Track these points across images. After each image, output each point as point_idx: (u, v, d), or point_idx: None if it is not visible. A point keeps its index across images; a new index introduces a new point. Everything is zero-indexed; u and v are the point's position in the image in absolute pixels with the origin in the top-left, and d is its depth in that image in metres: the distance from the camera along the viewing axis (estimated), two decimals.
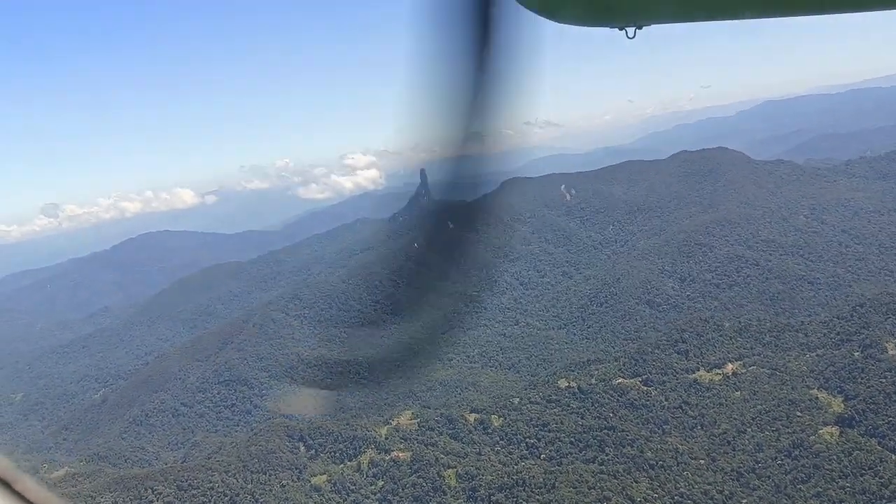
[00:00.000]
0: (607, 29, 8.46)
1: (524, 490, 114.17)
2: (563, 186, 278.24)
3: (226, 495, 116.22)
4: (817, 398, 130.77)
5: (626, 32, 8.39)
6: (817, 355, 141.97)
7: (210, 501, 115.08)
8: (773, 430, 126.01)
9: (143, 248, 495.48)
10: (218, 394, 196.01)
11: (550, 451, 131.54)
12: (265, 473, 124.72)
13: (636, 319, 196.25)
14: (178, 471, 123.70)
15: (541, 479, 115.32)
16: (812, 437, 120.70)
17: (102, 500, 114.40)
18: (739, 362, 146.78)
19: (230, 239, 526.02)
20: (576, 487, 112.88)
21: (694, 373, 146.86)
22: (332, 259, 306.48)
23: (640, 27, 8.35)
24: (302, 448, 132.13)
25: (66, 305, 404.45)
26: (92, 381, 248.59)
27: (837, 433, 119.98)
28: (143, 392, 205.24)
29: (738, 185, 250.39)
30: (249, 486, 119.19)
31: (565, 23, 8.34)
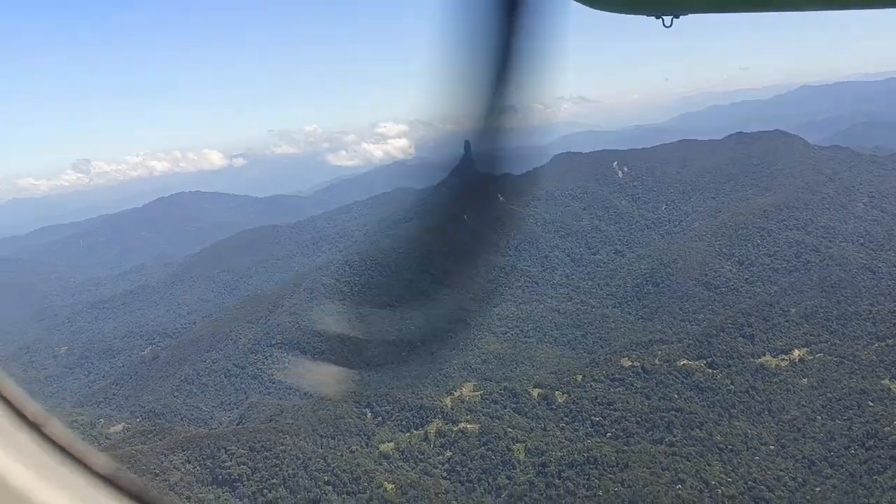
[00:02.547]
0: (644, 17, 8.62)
1: (596, 468, 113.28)
2: (615, 163, 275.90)
3: (298, 458, 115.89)
4: (889, 389, 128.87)
5: (663, 21, 8.42)
6: (887, 345, 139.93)
7: (283, 463, 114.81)
8: (844, 420, 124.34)
9: (175, 207, 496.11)
10: (270, 356, 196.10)
11: (616, 429, 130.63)
12: (334, 438, 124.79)
13: (694, 301, 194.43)
14: (250, 432, 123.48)
15: (612, 458, 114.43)
16: (887, 429, 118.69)
17: (175, 457, 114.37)
18: (806, 349, 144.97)
19: (261, 202, 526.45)
20: (649, 468, 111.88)
21: (760, 357, 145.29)
22: (374, 227, 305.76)
23: (676, 16, 8.34)
24: (369, 415, 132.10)
25: (99, 261, 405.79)
26: (137, 337, 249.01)
27: None
28: (193, 351, 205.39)
29: (794, 169, 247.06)
30: (321, 451, 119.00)
31: (604, 10, 8.59)
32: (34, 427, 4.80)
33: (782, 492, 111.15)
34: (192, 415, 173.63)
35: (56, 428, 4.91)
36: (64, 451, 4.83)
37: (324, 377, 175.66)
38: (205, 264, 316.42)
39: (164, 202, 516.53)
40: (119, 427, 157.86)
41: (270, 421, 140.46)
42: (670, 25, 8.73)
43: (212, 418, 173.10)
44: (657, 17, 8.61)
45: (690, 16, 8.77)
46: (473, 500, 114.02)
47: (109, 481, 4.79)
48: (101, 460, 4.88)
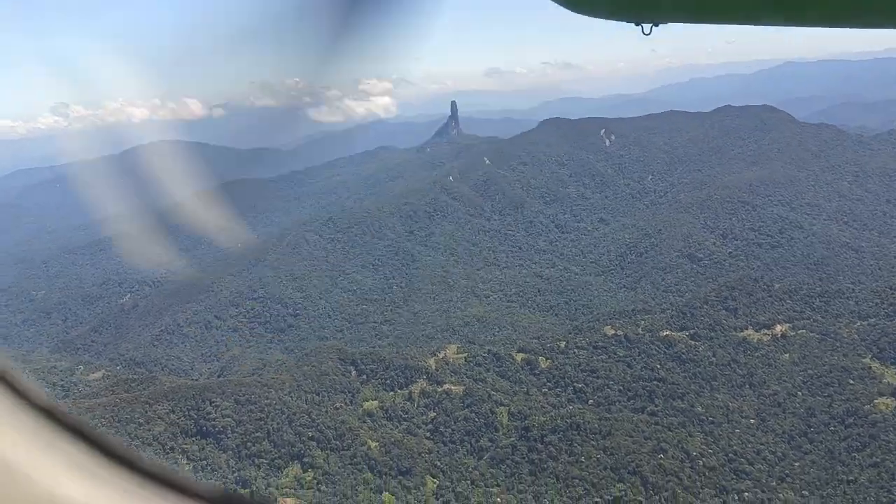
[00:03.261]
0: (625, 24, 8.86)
1: (578, 434, 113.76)
2: (602, 131, 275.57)
3: (283, 413, 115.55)
4: (870, 367, 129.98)
5: (643, 28, 8.52)
6: (869, 324, 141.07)
7: (267, 417, 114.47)
8: (825, 396, 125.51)
9: (154, 155, 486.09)
10: (251, 309, 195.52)
11: (599, 397, 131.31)
12: (318, 394, 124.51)
13: (677, 272, 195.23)
14: (235, 385, 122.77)
15: (595, 425, 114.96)
16: (867, 407, 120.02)
17: (160, 407, 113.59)
18: (788, 324, 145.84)
19: (243, 154, 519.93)
20: (631, 436, 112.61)
21: (742, 331, 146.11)
22: (358, 184, 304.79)
23: (656, 24, 8.63)
24: (353, 372, 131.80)
25: (77, 207, 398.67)
26: (115, 285, 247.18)
27: (894, 405, 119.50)
28: (174, 301, 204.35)
29: (782, 144, 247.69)
30: (305, 406, 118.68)
31: (588, 15, 8.95)
32: (43, 411, 4.49)
33: (762, 465, 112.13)
34: (172, 365, 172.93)
35: (26, 383, 4.58)
36: (76, 432, 4.50)
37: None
38: (186, 215, 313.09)
39: (144, 150, 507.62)
40: (98, 374, 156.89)
41: (253, 374, 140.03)
42: (649, 33, 8.81)
43: (192, 369, 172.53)
44: (636, 25, 8.67)
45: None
46: (456, 461, 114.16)
47: (49, 413, 4.46)
48: (42, 394, 4.54)
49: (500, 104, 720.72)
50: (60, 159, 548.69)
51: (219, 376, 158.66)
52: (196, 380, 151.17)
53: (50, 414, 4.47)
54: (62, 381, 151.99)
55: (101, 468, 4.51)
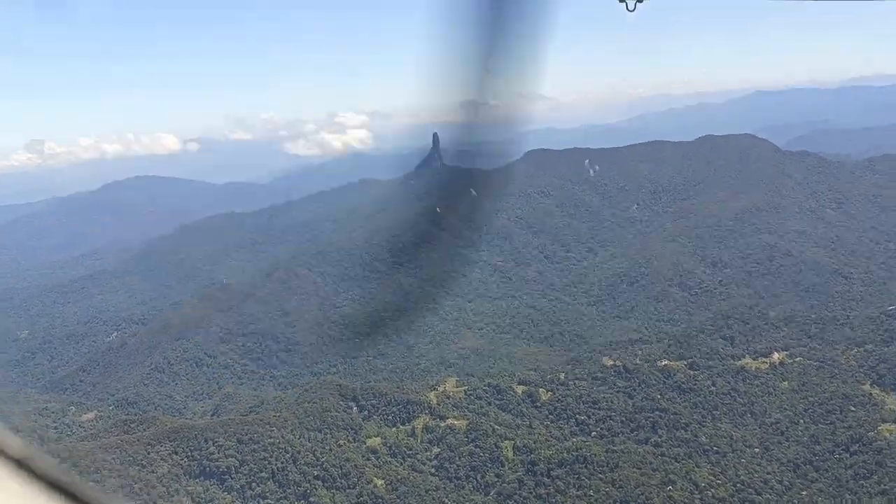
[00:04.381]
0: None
1: (586, 468, 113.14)
2: (586, 161, 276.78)
3: (286, 452, 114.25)
4: (871, 394, 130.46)
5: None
6: (866, 350, 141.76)
7: (271, 457, 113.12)
8: (827, 424, 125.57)
9: (130, 191, 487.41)
10: (243, 346, 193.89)
11: (602, 428, 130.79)
12: (321, 432, 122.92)
13: (669, 301, 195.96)
14: (237, 423, 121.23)
15: (602, 458, 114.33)
16: (871, 434, 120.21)
17: (161, 448, 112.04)
18: (786, 352, 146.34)
19: (218, 189, 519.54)
20: (639, 468, 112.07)
21: (740, 360, 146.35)
22: (343, 217, 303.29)
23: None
24: (355, 409, 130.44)
25: (53, 245, 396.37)
26: (100, 323, 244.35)
27: None
28: (163, 339, 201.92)
29: (765, 172, 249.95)
30: (309, 444, 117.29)
31: None
32: (20, 464, 4.78)
33: (770, 495, 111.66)
34: (165, 404, 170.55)
35: (44, 462, 4.84)
36: None
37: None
38: (164, 251, 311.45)
39: (118, 186, 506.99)
40: (91, 415, 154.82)
41: (251, 412, 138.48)
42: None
43: (185, 408, 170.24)
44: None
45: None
46: (463, 497, 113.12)
47: (22, 465, 4.72)
48: (14, 443, 4.83)
49: (474, 135, 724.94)
50: (36, 196, 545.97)
51: (213, 415, 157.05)
52: (191, 419, 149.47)
53: (24, 465, 4.71)
54: (55, 422, 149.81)
55: (24, 482, 4.62)
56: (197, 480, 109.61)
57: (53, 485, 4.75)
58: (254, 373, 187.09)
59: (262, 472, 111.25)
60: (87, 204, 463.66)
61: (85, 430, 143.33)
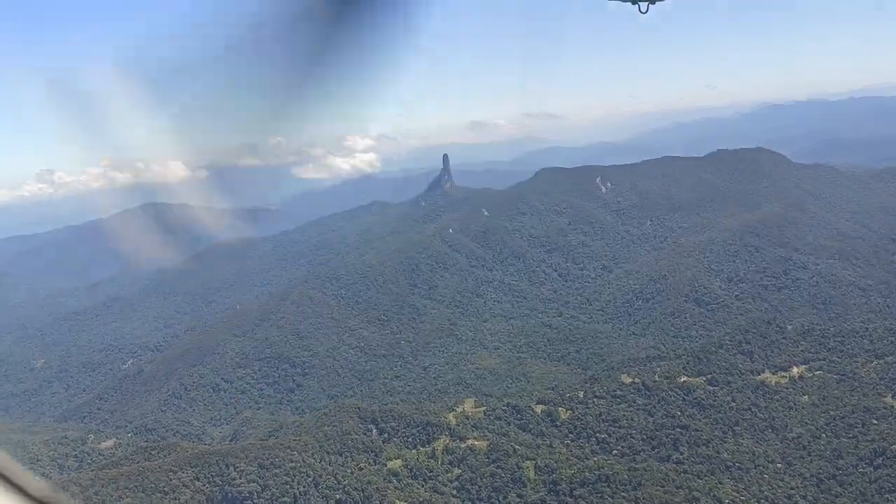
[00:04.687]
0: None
1: (608, 486, 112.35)
2: (598, 179, 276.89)
3: (308, 476, 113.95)
4: (893, 406, 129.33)
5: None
6: (886, 363, 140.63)
7: (293, 481, 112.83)
8: (850, 437, 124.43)
9: (142, 218, 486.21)
10: (259, 370, 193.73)
11: (623, 447, 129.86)
12: (341, 455, 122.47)
13: (685, 317, 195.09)
14: (258, 448, 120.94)
15: (625, 477, 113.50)
16: (895, 447, 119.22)
17: (184, 474, 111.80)
18: (805, 366, 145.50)
19: (230, 214, 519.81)
20: (662, 486, 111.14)
21: (759, 374, 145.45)
22: (355, 240, 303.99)
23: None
24: (374, 431, 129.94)
25: (67, 273, 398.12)
26: (116, 350, 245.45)
27: None
28: (179, 365, 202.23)
29: (779, 186, 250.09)
30: (330, 468, 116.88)
31: None
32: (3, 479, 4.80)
33: None
34: (183, 430, 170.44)
35: (26, 478, 4.95)
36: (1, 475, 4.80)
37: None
38: (177, 277, 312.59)
39: (129, 213, 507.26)
40: (110, 443, 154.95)
41: (270, 437, 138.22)
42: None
43: (203, 433, 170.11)
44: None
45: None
46: None
47: None
48: (37, 485, 4.89)
49: (481, 156, 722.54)
50: (48, 226, 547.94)
51: (232, 440, 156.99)
52: (210, 444, 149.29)
53: None
54: (74, 451, 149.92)
55: None
56: None
57: (3, 475, 4.82)
58: (271, 397, 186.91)
59: (284, 496, 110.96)
60: (99, 232, 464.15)
61: (105, 458, 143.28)
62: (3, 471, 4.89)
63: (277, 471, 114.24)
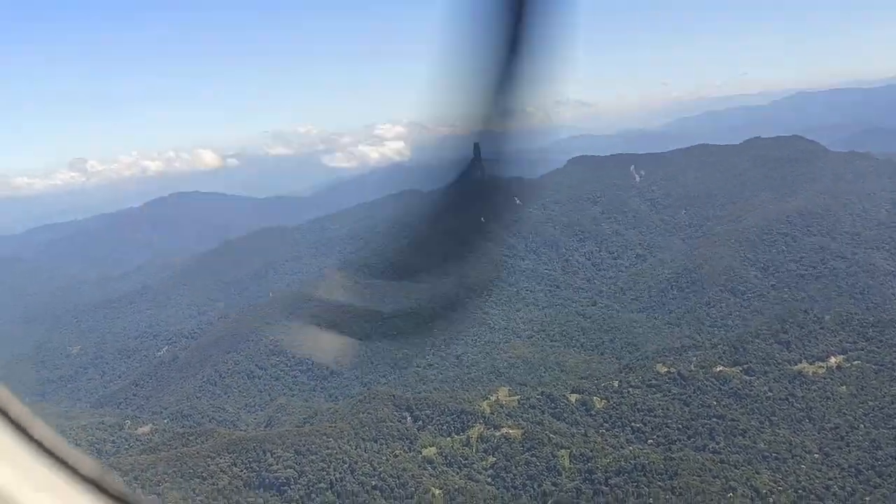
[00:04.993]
0: None
1: (644, 476, 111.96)
2: (632, 167, 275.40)
3: (344, 462, 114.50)
4: None
5: None
6: None
7: (329, 467, 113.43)
8: (889, 428, 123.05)
9: (173, 207, 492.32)
10: (292, 357, 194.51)
11: (658, 436, 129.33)
12: (376, 442, 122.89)
13: (721, 307, 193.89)
14: (294, 435, 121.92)
15: (661, 466, 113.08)
16: None
17: (221, 460, 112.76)
18: (843, 356, 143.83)
19: (261, 203, 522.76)
20: (699, 476, 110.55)
21: (796, 364, 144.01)
22: (387, 229, 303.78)
23: None
24: (409, 419, 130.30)
25: (99, 261, 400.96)
26: (150, 338, 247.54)
27: None
28: (214, 352, 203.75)
29: (814, 175, 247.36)
30: (366, 455, 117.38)
31: None
32: (20, 429, 4.95)
33: (832, 501, 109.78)
34: (218, 416, 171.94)
35: (42, 430, 5.02)
36: (50, 453, 4.94)
37: (325, 345, 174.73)
38: (211, 265, 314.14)
39: (161, 202, 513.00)
40: (147, 428, 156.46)
41: (305, 424, 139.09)
42: None
43: (238, 419, 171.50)
44: None
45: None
46: None
47: (95, 484, 4.92)
48: (87, 463, 4.98)
49: (511, 144, 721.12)
50: (81, 214, 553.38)
51: (267, 426, 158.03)
52: (245, 430, 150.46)
53: (97, 484, 4.85)
54: (112, 436, 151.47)
55: (74, 490, 4.74)
56: (257, 492, 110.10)
57: (52, 453, 4.90)
58: (304, 384, 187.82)
59: (320, 482, 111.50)
60: (132, 220, 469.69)
61: (142, 444, 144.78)
62: (54, 449, 4.93)
63: (314, 457, 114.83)
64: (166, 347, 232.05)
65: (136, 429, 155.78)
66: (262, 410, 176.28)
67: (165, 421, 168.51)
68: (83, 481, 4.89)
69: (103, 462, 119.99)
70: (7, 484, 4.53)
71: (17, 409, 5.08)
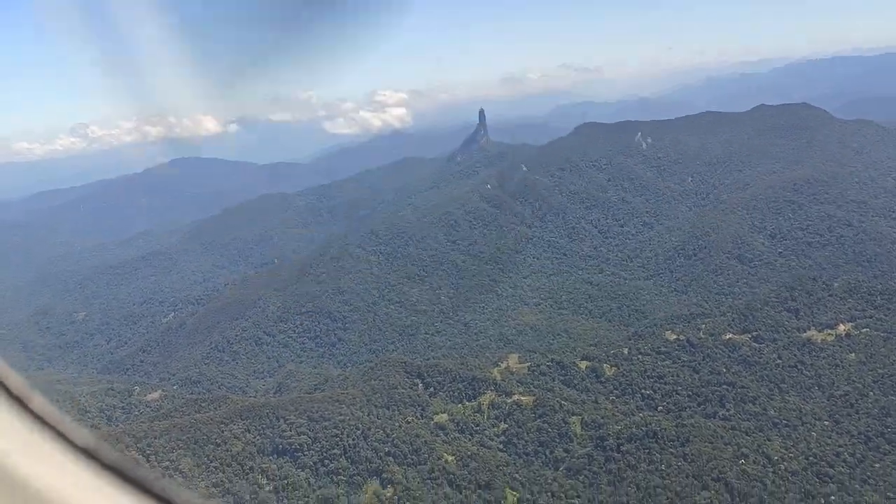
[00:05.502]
0: None
1: (656, 442, 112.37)
2: (638, 135, 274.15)
3: (357, 429, 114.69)
4: None
5: None
6: None
7: (342, 434, 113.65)
8: None
9: (175, 173, 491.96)
10: (300, 324, 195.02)
11: (668, 403, 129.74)
12: (388, 409, 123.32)
13: (728, 274, 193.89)
14: (307, 401, 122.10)
15: (673, 433, 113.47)
16: None
17: (235, 426, 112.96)
18: (851, 323, 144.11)
19: (261, 169, 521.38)
20: (711, 443, 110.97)
21: (805, 332, 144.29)
22: (391, 196, 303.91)
23: None
24: (420, 385, 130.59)
25: (102, 227, 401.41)
26: (156, 304, 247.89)
27: None
28: (221, 318, 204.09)
29: (821, 142, 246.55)
30: (379, 421, 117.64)
31: None
32: (17, 401, 5.01)
33: (842, 468, 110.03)
34: (227, 383, 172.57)
35: (38, 402, 5.08)
36: (46, 424, 5.02)
37: (333, 312, 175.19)
38: (214, 231, 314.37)
39: (162, 168, 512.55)
40: (156, 395, 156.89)
41: (316, 390, 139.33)
42: None
43: (248, 386, 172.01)
44: None
45: None
46: (533, 472, 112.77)
47: (89, 454, 4.98)
48: (81, 434, 5.06)
49: (513, 111, 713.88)
50: (82, 179, 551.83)
51: (276, 392, 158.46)
52: (254, 397, 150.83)
53: (91, 454, 4.91)
54: (122, 402, 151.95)
55: (69, 460, 4.83)
56: (270, 458, 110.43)
57: (121, 474, 4.94)
58: (313, 350, 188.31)
59: (334, 448, 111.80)
60: (133, 186, 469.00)
61: (152, 410, 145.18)
62: (48, 419, 5.00)
63: (327, 423, 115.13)
64: (172, 314, 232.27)
65: (145, 395, 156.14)
66: (270, 377, 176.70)
67: (175, 387, 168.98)
68: (78, 451, 4.97)
69: (115, 430, 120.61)
70: (4, 455, 4.63)
71: (15, 381, 5.11)
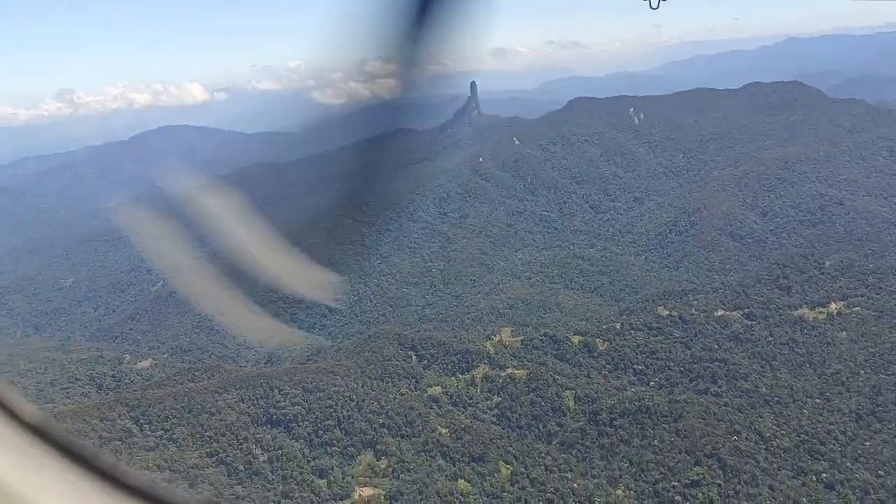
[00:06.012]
0: None
1: (649, 417, 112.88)
2: (631, 110, 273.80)
3: (351, 400, 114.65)
4: None
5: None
6: None
7: (337, 405, 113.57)
8: (889, 374, 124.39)
9: (162, 140, 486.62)
10: (290, 296, 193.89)
11: (660, 378, 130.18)
12: (382, 380, 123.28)
13: (720, 251, 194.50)
14: (302, 372, 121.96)
15: (666, 408, 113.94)
16: None
17: (229, 396, 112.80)
18: (843, 302, 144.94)
19: (249, 138, 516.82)
20: (704, 419, 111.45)
21: (797, 310, 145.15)
22: (382, 167, 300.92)
23: None
24: (414, 358, 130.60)
25: (88, 194, 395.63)
26: (144, 272, 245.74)
27: None
28: (210, 287, 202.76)
29: (813, 121, 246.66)
30: (373, 393, 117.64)
31: None
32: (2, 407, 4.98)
33: (834, 445, 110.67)
34: (218, 352, 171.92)
35: (25, 408, 5.05)
36: None
37: (324, 283, 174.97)
38: (202, 201, 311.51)
39: (149, 135, 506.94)
40: (147, 363, 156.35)
41: (308, 361, 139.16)
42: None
43: (238, 356, 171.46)
44: None
45: None
46: (527, 446, 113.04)
47: (38, 431, 4.96)
48: (29, 410, 5.05)
49: (501, 84, 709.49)
50: (68, 145, 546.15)
51: (268, 363, 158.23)
52: (242, 366, 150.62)
53: (39, 431, 4.84)
54: (112, 370, 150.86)
55: (89, 485, 4.71)
56: (264, 428, 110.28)
57: (69, 451, 4.88)
58: (303, 321, 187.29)
59: (328, 419, 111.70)
60: (119, 153, 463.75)
61: (143, 378, 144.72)
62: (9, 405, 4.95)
63: (321, 394, 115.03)
64: (161, 282, 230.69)
65: (135, 363, 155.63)
66: (261, 347, 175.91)
67: (165, 355, 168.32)
68: (26, 428, 4.90)
69: (107, 398, 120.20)
70: None
71: (27, 407, 5.09)
